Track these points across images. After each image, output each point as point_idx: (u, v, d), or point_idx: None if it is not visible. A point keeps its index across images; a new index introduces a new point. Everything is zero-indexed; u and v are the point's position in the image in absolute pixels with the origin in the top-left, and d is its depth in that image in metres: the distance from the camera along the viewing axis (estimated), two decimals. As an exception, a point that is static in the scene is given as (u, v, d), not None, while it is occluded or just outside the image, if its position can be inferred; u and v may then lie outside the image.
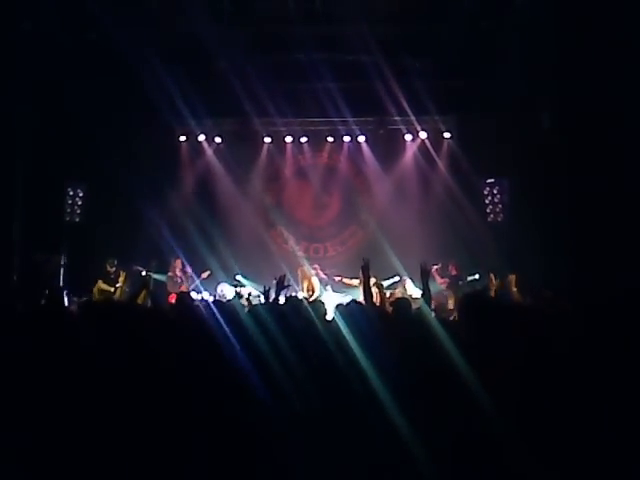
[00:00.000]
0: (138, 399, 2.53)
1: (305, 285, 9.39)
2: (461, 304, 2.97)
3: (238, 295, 8.44)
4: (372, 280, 9.01)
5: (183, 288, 9.31)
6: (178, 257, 9.58)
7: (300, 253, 10.30)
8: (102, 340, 2.91)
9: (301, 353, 2.67)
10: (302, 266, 9.64)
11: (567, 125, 8.38)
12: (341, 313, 3.00)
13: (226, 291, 9.46)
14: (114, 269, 9.34)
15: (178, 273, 9.57)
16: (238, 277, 9.62)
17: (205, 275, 9.47)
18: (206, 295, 9.15)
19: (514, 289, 8.12)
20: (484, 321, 2.57)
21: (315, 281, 9.43)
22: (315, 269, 9.80)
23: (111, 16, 8.03)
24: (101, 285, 9.22)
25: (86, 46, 8.69)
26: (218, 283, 9.61)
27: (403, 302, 3.79)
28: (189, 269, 9.53)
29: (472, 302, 2.80)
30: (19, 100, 8.68)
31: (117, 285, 9.21)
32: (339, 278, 9.67)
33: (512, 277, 8.27)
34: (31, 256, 9.05)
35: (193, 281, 9.51)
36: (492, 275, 8.32)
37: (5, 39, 8.11)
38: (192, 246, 10.05)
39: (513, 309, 3.30)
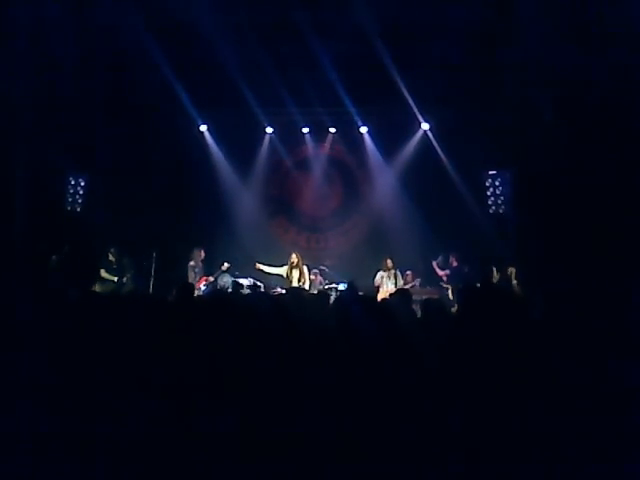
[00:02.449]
0: (137, 390, 2.55)
1: (295, 274, 9.38)
2: (460, 295, 3.00)
3: (237, 285, 8.54)
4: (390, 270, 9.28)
5: (204, 278, 9.40)
6: (201, 247, 9.63)
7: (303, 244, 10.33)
8: (103, 330, 2.94)
9: (301, 343, 2.69)
10: (298, 253, 9.61)
11: (569, 117, 8.35)
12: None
13: (227, 282, 9.51)
14: (116, 258, 9.38)
15: (200, 264, 9.60)
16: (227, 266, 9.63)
17: (225, 267, 9.49)
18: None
19: (514, 281, 8.19)
20: (482, 311, 2.60)
21: (306, 271, 9.45)
22: (315, 274, 9.86)
23: (111, 5, 8.01)
24: (104, 274, 9.26)
25: (86, 36, 8.65)
26: (209, 273, 9.63)
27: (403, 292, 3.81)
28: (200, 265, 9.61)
29: (471, 293, 2.82)
30: (20, 89, 8.66)
31: (118, 276, 9.29)
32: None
33: (512, 270, 8.34)
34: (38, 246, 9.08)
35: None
36: (494, 268, 8.42)
37: (5, 26, 8.08)
38: (193, 236, 10.10)
39: (511, 300, 3.31)
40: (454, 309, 5.48)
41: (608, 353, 2.55)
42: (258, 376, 2.47)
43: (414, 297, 9.09)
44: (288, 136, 11.41)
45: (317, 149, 11.59)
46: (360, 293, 5.63)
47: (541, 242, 8.81)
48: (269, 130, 11.30)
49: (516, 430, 2.20)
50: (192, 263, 9.53)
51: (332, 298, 7.06)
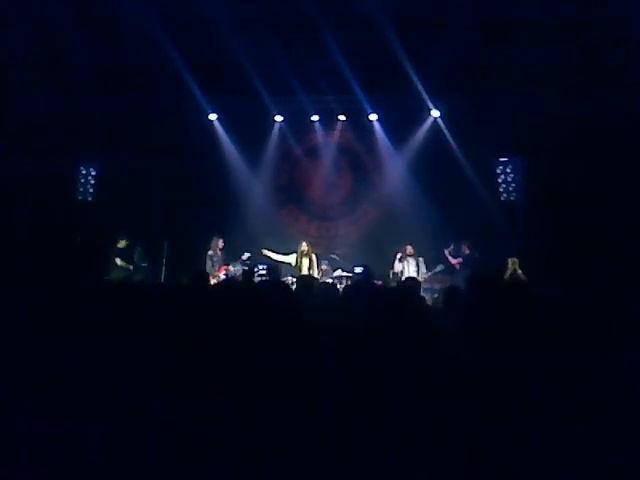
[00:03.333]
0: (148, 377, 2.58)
1: (305, 262, 9.43)
2: (468, 283, 3.00)
3: (248, 273, 8.55)
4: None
5: (223, 267, 9.44)
6: (220, 236, 9.66)
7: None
8: (115, 319, 2.97)
9: (310, 331, 2.70)
10: (308, 242, 9.66)
11: (582, 105, 8.27)
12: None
13: (238, 269, 9.53)
14: (127, 245, 9.44)
15: (219, 253, 9.62)
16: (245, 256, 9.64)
17: (245, 257, 9.49)
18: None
19: (519, 271, 8.18)
20: (489, 299, 2.60)
21: (315, 260, 9.50)
22: (326, 265, 9.88)
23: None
24: (118, 262, 9.33)
25: (96, 25, 8.66)
26: (229, 262, 9.66)
27: (411, 281, 3.81)
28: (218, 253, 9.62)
29: (479, 281, 2.82)
30: (30, 79, 8.70)
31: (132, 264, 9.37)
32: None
33: (515, 260, 8.33)
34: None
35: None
36: (509, 260, 8.43)
37: (14, 14, 8.09)
38: (203, 225, 10.13)
39: (520, 290, 3.30)
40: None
41: (622, 342, 2.54)
42: (265, 365, 2.49)
43: (430, 285, 9.23)
44: (297, 124, 11.38)
45: (327, 137, 11.55)
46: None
47: (552, 229, 8.76)
48: (279, 118, 11.27)
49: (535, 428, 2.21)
50: (210, 252, 9.55)
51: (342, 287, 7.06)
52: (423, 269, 9.58)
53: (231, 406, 2.40)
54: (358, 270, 8.88)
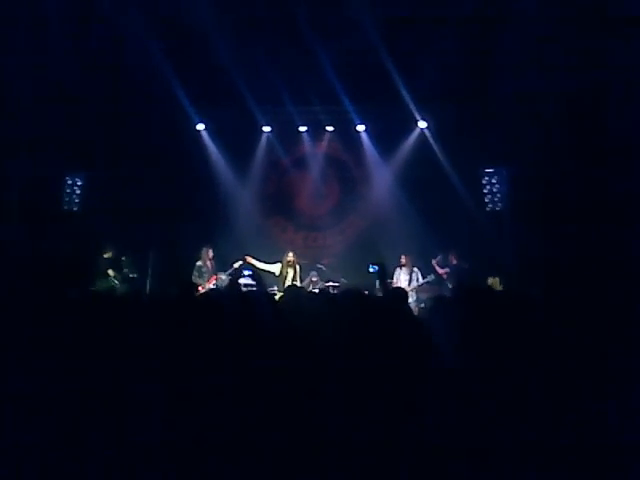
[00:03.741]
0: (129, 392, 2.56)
1: (290, 273, 9.41)
2: (455, 292, 3.02)
3: (234, 284, 8.49)
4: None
5: (213, 278, 9.37)
6: (209, 247, 9.56)
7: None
8: (102, 330, 2.95)
9: (298, 342, 2.70)
10: (294, 253, 9.65)
11: (568, 114, 8.37)
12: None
13: (224, 280, 9.48)
14: (113, 256, 9.37)
15: (208, 264, 9.52)
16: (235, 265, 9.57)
17: (237, 265, 9.41)
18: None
19: (499, 287, 8.19)
20: (476, 306, 2.62)
21: (298, 271, 9.49)
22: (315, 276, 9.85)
23: (110, 3, 8.01)
24: (110, 273, 9.27)
25: (84, 34, 8.65)
26: (216, 272, 9.59)
27: (399, 291, 3.83)
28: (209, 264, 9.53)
29: (466, 289, 2.85)
30: (16, 88, 8.66)
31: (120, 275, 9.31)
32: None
33: (495, 280, 8.33)
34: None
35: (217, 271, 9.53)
36: (491, 278, 8.44)
37: (5, 23, 8.06)
38: (190, 235, 10.08)
39: (508, 300, 3.33)
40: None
41: (610, 352, 2.57)
42: (257, 374, 2.48)
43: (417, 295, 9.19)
44: (285, 135, 11.38)
45: (314, 148, 11.57)
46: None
47: (538, 239, 8.83)
48: (266, 129, 11.29)
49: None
50: (199, 263, 9.44)
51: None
52: (419, 279, 9.56)
53: (223, 417, 2.39)
54: (372, 270, 8.82)
